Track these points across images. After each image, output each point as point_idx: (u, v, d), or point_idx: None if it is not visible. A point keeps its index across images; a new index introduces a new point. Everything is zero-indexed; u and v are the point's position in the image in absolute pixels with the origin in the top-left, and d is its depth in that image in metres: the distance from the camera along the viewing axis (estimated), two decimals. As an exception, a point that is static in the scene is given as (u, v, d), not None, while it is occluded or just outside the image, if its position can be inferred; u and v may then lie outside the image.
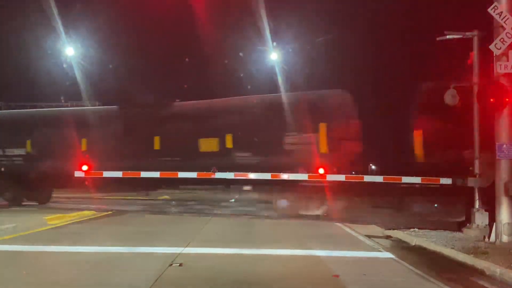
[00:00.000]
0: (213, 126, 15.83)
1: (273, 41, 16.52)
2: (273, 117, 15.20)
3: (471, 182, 11.32)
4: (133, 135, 16.60)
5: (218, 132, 15.55)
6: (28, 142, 17.77)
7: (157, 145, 16.03)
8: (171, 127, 16.25)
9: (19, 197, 18.49)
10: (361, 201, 15.32)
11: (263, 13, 15.89)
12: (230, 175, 15.01)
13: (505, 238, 9.53)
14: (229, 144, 15.38)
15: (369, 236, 10.98)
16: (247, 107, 15.96)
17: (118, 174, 15.92)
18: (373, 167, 15.86)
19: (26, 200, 18.71)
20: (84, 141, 16.78)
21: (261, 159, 15.14)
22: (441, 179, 13.10)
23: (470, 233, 10.74)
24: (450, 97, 11.66)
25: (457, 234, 10.86)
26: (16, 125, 18.82)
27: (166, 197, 24.21)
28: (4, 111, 22.03)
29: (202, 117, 16.24)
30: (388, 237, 11.28)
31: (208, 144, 15.59)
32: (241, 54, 19.57)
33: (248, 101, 16.40)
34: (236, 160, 15.34)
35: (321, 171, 14.27)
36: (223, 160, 15.17)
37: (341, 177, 14.03)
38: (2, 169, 18.16)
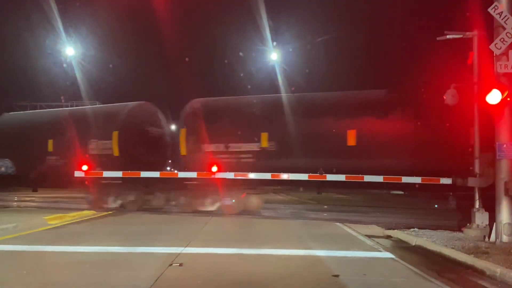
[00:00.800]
0: None
1: (273, 40, 16.53)
2: None
3: (471, 182, 11.32)
4: (424, 128, 12.99)
5: None
6: (264, 136, 14.31)
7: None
8: None
9: (238, 205, 15.25)
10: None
11: (263, 12, 15.91)
12: (230, 175, 14.91)
13: (505, 238, 9.53)
14: None
15: (369, 236, 10.97)
16: None
17: (118, 174, 15.78)
18: None
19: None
20: (351, 133, 13.53)
21: None
22: (441, 179, 13.06)
23: (470, 233, 10.74)
24: (450, 97, 11.66)
25: (457, 234, 10.87)
26: (246, 114, 14.93)
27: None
28: (225, 97, 16.89)
29: None
30: (388, 237, 11.28)
31: None
32: (241, 54, 19.59)
33: None
34: None
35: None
36: None
37: (341, 177, 13.94)
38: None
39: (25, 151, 17.51)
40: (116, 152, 15.85)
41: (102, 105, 19.27)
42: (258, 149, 14.20)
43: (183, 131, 15.17)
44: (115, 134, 15.81)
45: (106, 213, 15.37)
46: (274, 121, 14.27)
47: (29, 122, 19.33)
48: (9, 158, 18.00)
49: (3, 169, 17.90)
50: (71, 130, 16.67)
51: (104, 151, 16.04)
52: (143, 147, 15.61)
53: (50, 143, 17.18)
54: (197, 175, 15.16)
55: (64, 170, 16.11)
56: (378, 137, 13.44)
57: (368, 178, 13.64)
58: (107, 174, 15.82)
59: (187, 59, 22.82)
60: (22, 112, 21.81)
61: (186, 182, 15.32)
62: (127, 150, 15.79)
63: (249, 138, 14.31)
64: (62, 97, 24.74)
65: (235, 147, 14.45)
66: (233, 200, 14.99)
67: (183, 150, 15.16)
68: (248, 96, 16.20)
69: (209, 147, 14.68)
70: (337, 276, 6.74)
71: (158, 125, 16.48)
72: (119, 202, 16.20)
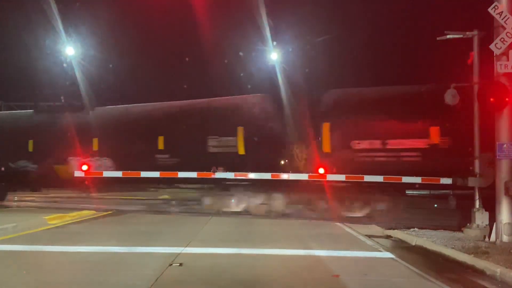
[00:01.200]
0: None
1: (273, 40, 16.48)
2: None
3: (471, 181, 11.32)
4: None
5: None
6: (434, 130, 12.39)
7: None
8: None
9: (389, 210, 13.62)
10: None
11: (263, 12, 15.89)
12: (230, 175, 14.89)
13: (505, 238, 9.54)
14: None
15: (369, 236, 10.98)
16: None
17: (118, 174, 15.73)
18: None
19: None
20: None
21: None
22: (441, 179, 13.03)
23: (470, 233, 10.75)
24: (450, 97, 11.64)
25: (457, 234, 10.87)
26: (410, 106, 12.79)
27: (166, 196, 24.16)
28: (374, 87, 14.61)
29: None
30: (388, 237, 11.28)
31: None
32: (241, 53, 19.56)
33: None
34: None
35: (321, 170, 13.70)
36: None
37: (341, 177, 13.91)
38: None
39: (128, 149, 15.72)
40: (241, 150, 14.20)
41: (215, 98, 16.61)
42: (427, 146, 12.42)
43: (326, 126, 13.42)
44: (240, 129, 14.16)
45: (106, 213, 15.38)
46: (448, 113, 11.97)
47: (132, 117, 17.07)
48: (109, 157, 16.01)
49: (102, 169, 16.08)
50: (186, 126, 15.25)
51: (226, 149, 14.47)
52: (266, 145, 14.00)
53: (161, 140, 15.39)
54: (197, 175, 15.08)
55: (176, 170, 14.81)
56: None
57: (368, 178, 13.62)
58: (107, 174, 15.75)
59: (187, 59, 22.78)
60: (117, 106, 19.11)
61: (334, 185, 14.00)
62: (252, 148, 14.17)
63: (414, 133, 12.48)
64: (62, 97, 24.69)
65: (393, 143, 12.76)
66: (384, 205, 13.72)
67: (326, 147, 13.47)
68: (406, 85, 14.00)
69: (360, 144, 13.11)
70: (337, 276, 6.74)
71: (277, 120, 14.72)
72: (242, 206, 15.08)
